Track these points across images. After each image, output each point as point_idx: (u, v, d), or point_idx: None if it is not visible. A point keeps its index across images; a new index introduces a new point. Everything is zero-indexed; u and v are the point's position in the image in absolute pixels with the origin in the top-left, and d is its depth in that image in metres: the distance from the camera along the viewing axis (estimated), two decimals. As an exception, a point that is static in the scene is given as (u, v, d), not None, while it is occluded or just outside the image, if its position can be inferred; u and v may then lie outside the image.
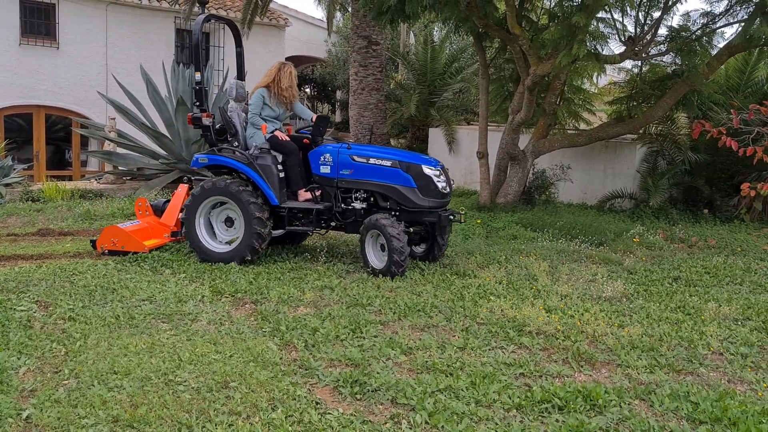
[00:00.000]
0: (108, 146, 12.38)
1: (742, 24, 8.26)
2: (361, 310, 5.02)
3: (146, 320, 4.63)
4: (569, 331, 4.61)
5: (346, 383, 3.63)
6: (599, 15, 8.71)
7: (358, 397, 3.51)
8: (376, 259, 6.20)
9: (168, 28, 16.70)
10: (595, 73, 10.81)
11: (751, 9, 8.21)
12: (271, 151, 6.51)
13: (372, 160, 6.30)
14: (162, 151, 11.95)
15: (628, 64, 10.94)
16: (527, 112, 9.64)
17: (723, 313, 5.21)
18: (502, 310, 5.07)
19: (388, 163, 6.25)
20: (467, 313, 5.00)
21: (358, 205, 6.40)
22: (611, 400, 3.50)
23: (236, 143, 6.63)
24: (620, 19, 9.12)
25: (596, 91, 13.29)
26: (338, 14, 22.19)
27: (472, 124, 14.78)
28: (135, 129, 12.16)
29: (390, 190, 6.26)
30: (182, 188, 7.28)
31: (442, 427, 3.19)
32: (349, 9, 17.61)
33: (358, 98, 15.72)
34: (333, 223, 6.65)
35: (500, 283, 5.95)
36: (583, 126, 11.72)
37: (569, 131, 11.51)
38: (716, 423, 3.30)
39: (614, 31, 9.19)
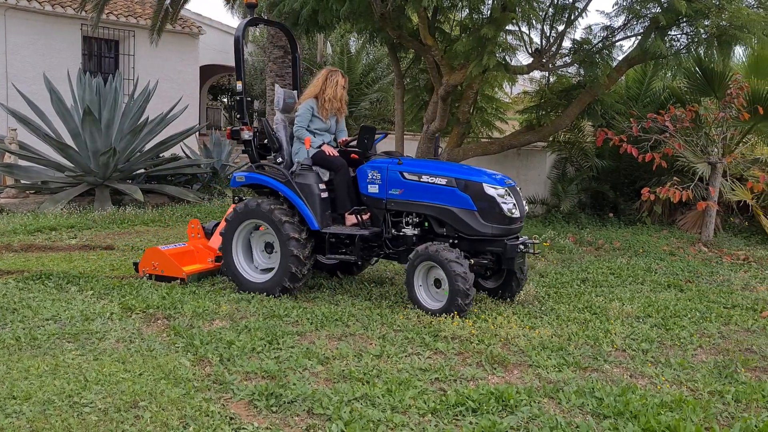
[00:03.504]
0: (9, 159, 11.74)
1: (639, 38, 8.74)
2: (278, 321, 4.97)
3: (50, 341, 4.41)
4: (483, 334, 4.72)
5: (262, 396, 3.58)
6: (508, 27, 9.00)
7: (274, 409, 3.47)
8: (427, 297, 5.29)
9: (74, 35, 16.01)
10: (507, 83, 11.16)
11: (646, 24, 8.70)
12: (314, 168, 5.81)
13: (425, 178, 5.41)
14: (68, 163, 11.45)
15: (537, 74, 11.38)
16: (441, 121, 9.83)
17: (626, 311, 5.49)
18: (418, 317, 5.14)
19: (443, 181, 5.34)
20: (384, 321, 5.04)
21: (409, 231, 5.55)
22: (522, 400, 3.61)
23: (280, 159, 5.93)
24: (527, 32, 9.47)
25: (509, 101, 13.74)
26: (254, 23, 21.95)
27: (389, 134, 14.93)
28: (38, 140, 11.59)
29: (445, 213, 5.34)
30: (233, 209, 6.55)
31: (358, 435, 3.20)
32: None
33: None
34: (382, 252, 5.77)
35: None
36: (496, 134, 12.07)
37: (483, 140, 11.82)
38: (619, 417, 3.46)
39: (522, 43, 9.53)
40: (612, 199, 10.97)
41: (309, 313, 5.16)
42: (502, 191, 5.27)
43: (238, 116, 6.05)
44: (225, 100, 28.35)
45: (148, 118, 11.79)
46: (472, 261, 5.25)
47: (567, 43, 9.56)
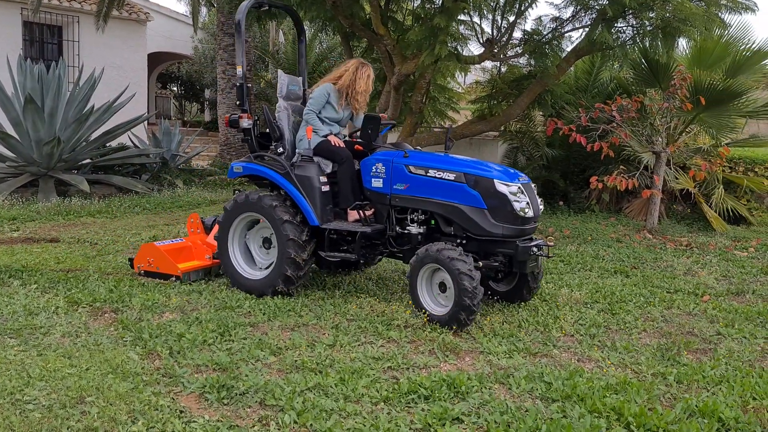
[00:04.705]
0: (-55, 148, 11.27)
1: (587, 29, 8.91)
2: (230, 312, 4.92)
3: (-10, 337, 4.26)
4: (435, 322, 4.76)
5: (213, 389, 3.54)
6: (460, 17, 9.06)
7: (226, 402, 3.44)
8: (431, 302, 4.88)
9: (13, 19, 15.39)
10: (459, 73, 11.25)
11: (594, 15, 8.88)
12: (315, 159, 5.49)
13: (431, 172, 5.02)
14: (9, 153, 11.05)
15: (489, 64, 11.49)
16: (394, 110, 9.85)
17: (575, 297, 5.61)
18: (371, 306, 5.16)
19: (451, 176, 4.94)
20: (337, 311, 5.04)
21: (414, 229, 5.18)
22: (473, 386, 3.67)
23: (281, 149, 5.59)
24: (479, 22, 9.55)
25: (461, 91, 13.85)
26: (203, 10, 21.53)
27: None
28: (-24, 129, 11.13)
29: (452, 210, 4.95)
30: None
31: (311, 425, 3.19)
32: (215, 5, 17.14)
33: (227, 97, 15.39)
34: (386, 250, 5.44)
35: (370, 280, 6.05)
36: (448, 124, 12.15)
37: (435, 129, 11.89)
38: (566, 400, 3.55)
39: (474, 33, 9.61)
40: (562, 187, 11.18)
41: (261, 303, 5.12)
42: (514, 188, 4.85)
43: (237, 103, 5.75)
44: (175, 88, 27.78)
45: (93, 106, 11.45)
46: (481, 264, 4.86)
47: (518, 34, 9.70)
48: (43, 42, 16.18)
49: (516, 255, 4.89)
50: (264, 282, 5.40)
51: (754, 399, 3.61)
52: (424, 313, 4.80)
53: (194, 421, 3.20)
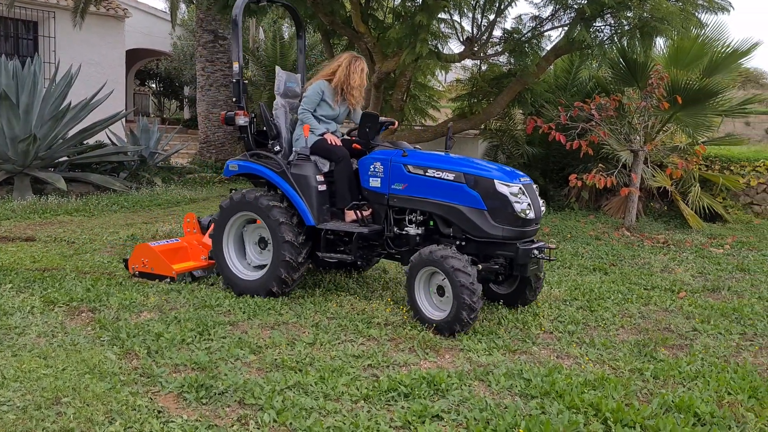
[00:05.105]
0: None
1: (566, 28, 8.98)
2: (209, 311, 4.89)
3: (-36, 337, 4.19)
4: (415, 320, 4.77)
5: (191, 388, 3.51)
6: (440, 16, 9.09)
7: (204, 401, 3.41)
8: (430, 306, 4.74)
9: (-13, 15, 15.17)
10: (440, 71, 11.29)
11: (573, 15, 8.95)
12: (311, 158, 5.38)
13: (430, 172, 4.90)
14: (-16, 151, 10.86)
15: (469, 63, 11.54)
16: (375, 108, 9.85)
17: (554, 294, 5.66)
18: (351, 304, 5.16)
19: (451, 176, 4.82)
20: (317, 309, 5.03)
21: (412, 230, 5.06)
22: (453, 384, 3.68)
23: (278, 147, 5.49)
24: (459, 20, 9.59)
25: (442, 89, 13.89)
26: (182, 6, 21.33)
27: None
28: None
29: (451, 211, 4.82)
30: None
31: (290, 424, 3.19)
32: (194, 1, 16.98)
33: (206, 95, 15.28)
34: (384, 251, 5.31)
35: (351, 278, 6.04)
36: (429, 122, 12.18)
37: (416, 127, 11.91)
38: (545, 396, 3.57)
39: (454, 32, 9.64)
40: (542, 185, 11.24)
41: (241, 302, 5.09)
42: (515, 189, 4.72)
43: (234, 100, 5.59)
44: (153, 85, 27.51)
45: (70, 103, 11.30)
46: (481, 267, 4.74)
47: (498, 32, 9.75)
48: (18, 37, 15.93)
49: (516, 258, 4.75)
50: (258, 283, 5.30)
51: (729, 394, 3.67)
52: (424, 324, 4.67)
53: (172, 421, 3.18)
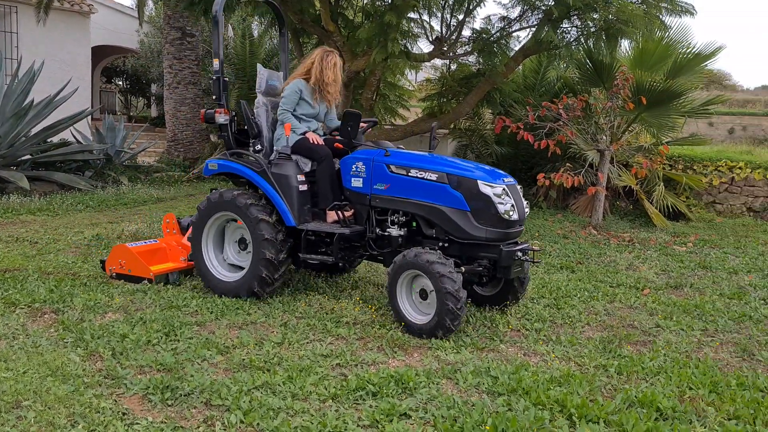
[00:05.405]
0: None
1: (534, 29, 9.07)
2: (176, 312, 4.83)
3: None
4: (384, 319, 4.79)
5: (157, 390, 3.47)
6: (410, 15, 9.11)
7: (170, 403, 3.38)
8: (412, 310, 4.65)
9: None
10: (410, 71, 11.32)
11: (540, 16, 9.04)
12: (293, 158, 5.29)
13: (413, 172, 4.83)
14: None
15: (439, 62, 11.59)
16: (344, 107, 9.82)
17: (521, 292, 5.70)
18: (320, 303, 5.15)
19: (434, 177, 4.75)
20: (286, 308, 5.00)
21: (395, 231, 4.97)
22: (421, 382, 3.70)
23: (259, 146, 5.42)
24: (428, 20, 9.62)
25: (412, 88, 13.93)
26: (150, 3, 21.03)
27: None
28: None
29: (434, 212, 4.76)
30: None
31: (258, 424, 3.17)
32: (161, -2, 16.74)
33: (174, 92, 15.07)
34: (366, 253, 5.25)
35: (320, 277, 6.03)
36: (399, 121, 12.21)
37: (386, 126, 11.92)
38: (512, 393, 3.61)
39: (423, 31, 9.67)
40: (510, 184, 11.35)
41: (209, 302, 5.05)
42: (498, 190, 4.66)
43: (214, 97, 5.49)
44: (120, 83, 27.09)
45: (33, 100, 11.06)
46: (464, 269, 4.67)
47: (467, 32, 9.81)
48: (-21, 33, 15.53)
49: (500, 260, 4.69)
50: (238, 283, 5.21)
51: (691, 389, 3.75)
52: (402, 323, 4.64)
53: (137, 423, 3.13)
